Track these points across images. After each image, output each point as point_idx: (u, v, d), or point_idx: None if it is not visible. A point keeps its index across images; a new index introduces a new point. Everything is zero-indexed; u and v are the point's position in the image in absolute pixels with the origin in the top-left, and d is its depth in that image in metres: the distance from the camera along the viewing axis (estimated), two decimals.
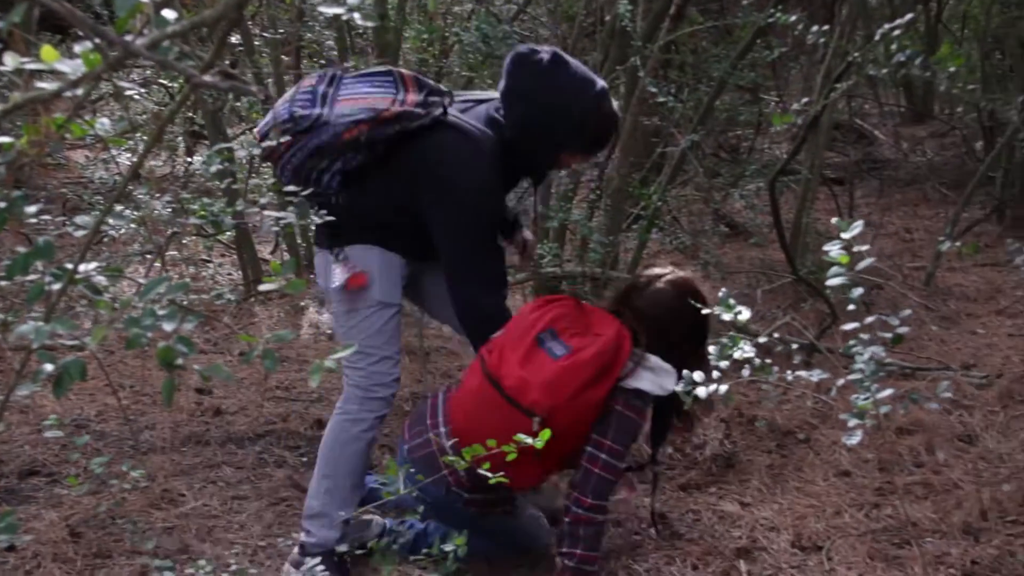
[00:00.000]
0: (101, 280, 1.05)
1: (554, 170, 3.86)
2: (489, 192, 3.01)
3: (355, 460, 3.14)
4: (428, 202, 2.98)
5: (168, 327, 0.99)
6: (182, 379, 4.42)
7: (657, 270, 3.16)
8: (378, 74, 3.00)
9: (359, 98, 2.92)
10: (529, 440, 2.18)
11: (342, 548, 2.98)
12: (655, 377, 2.86)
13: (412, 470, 2.85)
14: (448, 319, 3.33)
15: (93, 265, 1.06)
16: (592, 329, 2.92)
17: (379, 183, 3.01)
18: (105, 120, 1.23)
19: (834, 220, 2.04)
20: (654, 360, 2.88)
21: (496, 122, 3.03)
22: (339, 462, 3.13)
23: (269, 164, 3.11)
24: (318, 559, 2.70)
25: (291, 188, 2.66)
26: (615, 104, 3.05)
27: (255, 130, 3.08)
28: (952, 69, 2.25)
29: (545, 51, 2.94)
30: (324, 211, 2.70)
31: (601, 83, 2.98)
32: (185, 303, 4.46)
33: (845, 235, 1.97)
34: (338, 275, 3.00)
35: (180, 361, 1.01)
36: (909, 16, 2.26)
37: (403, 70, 3.03)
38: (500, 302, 3.08)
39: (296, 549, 3.12)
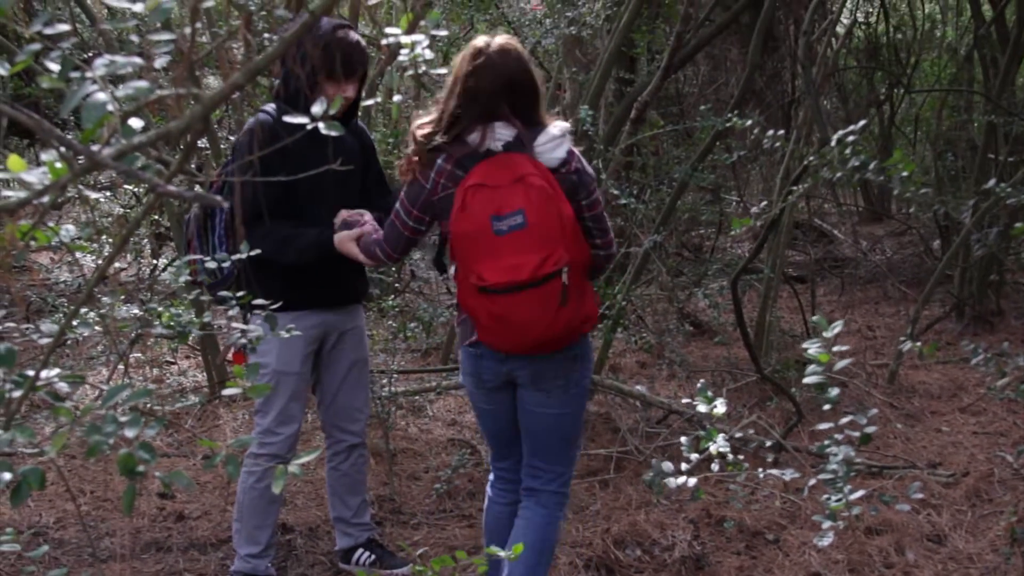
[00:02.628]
0: (63, 387, 1.04)
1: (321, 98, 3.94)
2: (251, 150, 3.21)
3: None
4: None
5: (130, 433, 0.97)
6: (144, 484, 4.34)
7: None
8: None
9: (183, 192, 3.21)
10: None
11: None
12: (561, 134, 2.91)
13: None
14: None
15: (55, 372, 1.05)
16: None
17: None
18: (70, 227, 1.23)
19: (815, 317, 2.05)
20: (559, 128, 2.91)
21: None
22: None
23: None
24: None
25: (223, 294, 2.65)
26: (356, 35, 3.33)
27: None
28: (905, 173, 2.31)
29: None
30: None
31: (343, 21, 3.37)
32: (149, 406, 4.40)
33: (826, 334, 1.98)
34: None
35: (142, 468, 0.99)
36: (862, 122, 2.33)
37: None
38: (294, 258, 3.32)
39: None
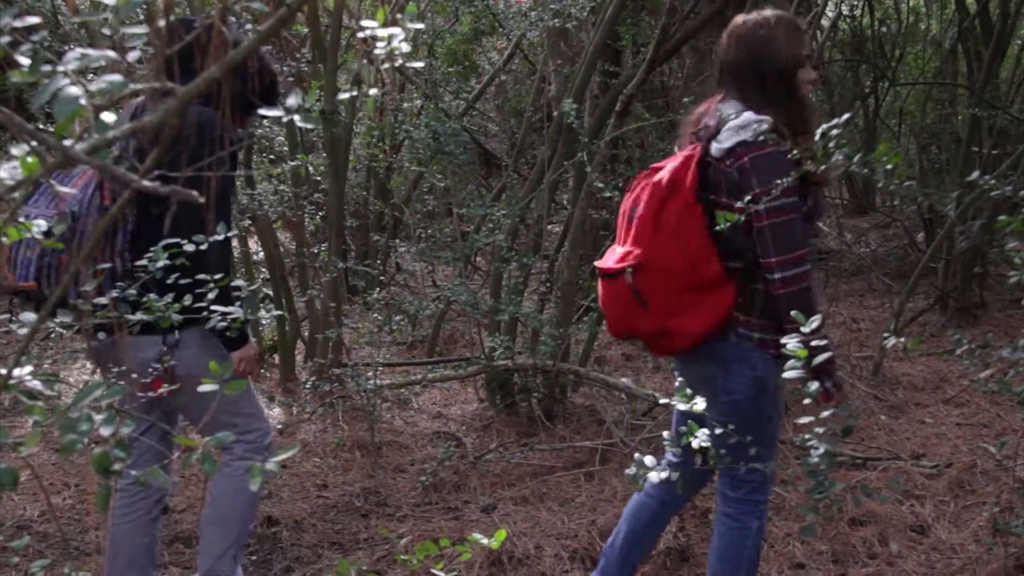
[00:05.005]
0: (35, 385, 1.03)
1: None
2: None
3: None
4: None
5: (105, 432, 0.97)
6: None
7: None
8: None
9: (73, 183, 2.85)
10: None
11: None
12: (743, 125, 2.65)
13: None
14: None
15: (27, 369, 1.04)
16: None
17: (160, 220, 2.81)
18: (42, 222, 1.22)
19: (793, 313, 2.06)
20: (742, 118, 2.66)
21: None
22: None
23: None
24: None
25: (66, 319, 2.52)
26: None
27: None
28: (889, 167, 2.31)
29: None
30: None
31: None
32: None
33: (804, 329, 1.98)
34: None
35: (117, 467, 0.98)
36: (846, 116, 2.32)
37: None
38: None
39: None
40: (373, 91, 1.38)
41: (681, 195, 2.68)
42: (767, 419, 2.84)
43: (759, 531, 2.95)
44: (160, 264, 2.34)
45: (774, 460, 2.96)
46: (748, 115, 2.64)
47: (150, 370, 2.88)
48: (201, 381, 2.56)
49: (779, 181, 2.42)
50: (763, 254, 2.65)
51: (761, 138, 2.59)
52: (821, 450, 1.87)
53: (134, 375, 2.86)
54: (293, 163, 5.81)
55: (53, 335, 5.09)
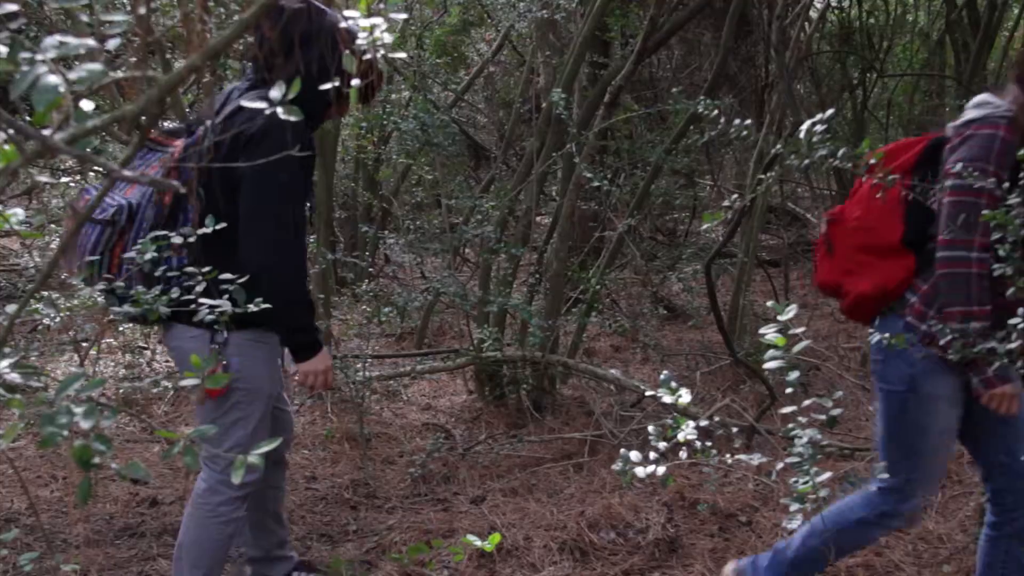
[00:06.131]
0: (14, 377, 1.02)
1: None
2: None
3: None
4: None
5: (85, 424, 0.95)
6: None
7: None
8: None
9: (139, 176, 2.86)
10: None
11: None
12: (980, 103, 2.59)
13: None
14: None
15: (6, 363, 1.03)
16: None
17: (224, 218, 2.72)
18: (19, 211, 1.21)
19: (769, 303, 2.06)
20: (982, 96, 2.61)
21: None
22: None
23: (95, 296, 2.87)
24: None
25: (122, 310, 2.49)
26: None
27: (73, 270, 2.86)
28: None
29: None
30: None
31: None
32: (120, 391, 4.35)
33: (781, 317, 1.99)
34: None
35: (97, 460, 0.97)
36: (831, 111, 2.33)
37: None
38: None
39: None
40: (355, 82, 1.37)
41: (900, 162, 2.70)
42: (919, 430, 2.74)
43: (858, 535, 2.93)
44: (157, 258, 2.37)
45: (922, 485, 2.84)
46: (988, 96, 2.60)
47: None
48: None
49: (976, 162, 2.42)
50: (939, 231, 2.56)
51: (990, 119, 2.54)
52: (805, 439, 1.87)
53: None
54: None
55: (40, 328, 5.07)
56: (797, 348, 1.98)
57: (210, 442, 2.86)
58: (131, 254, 2.65)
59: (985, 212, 2.36)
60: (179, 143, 2.81)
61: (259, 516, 3.30)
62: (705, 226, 6.26)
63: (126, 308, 2.47)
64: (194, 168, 2.70)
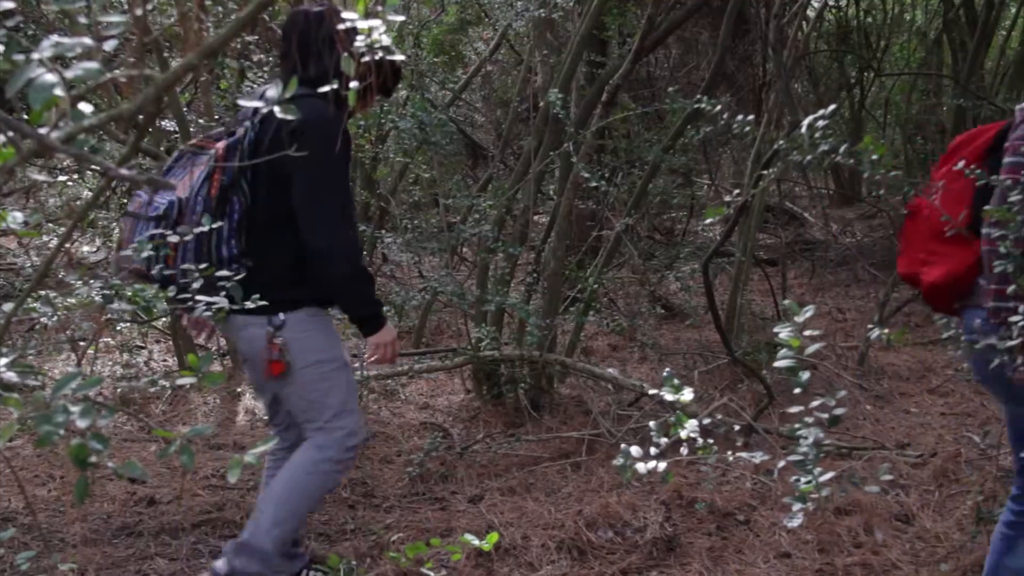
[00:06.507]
0: (11, 376, 1.01)
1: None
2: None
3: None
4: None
5: (82, 423, 0.95)
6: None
7: None
8: (180, 158, 3.09)
9: (190, 174, 2.99)
10: None
11: None
12: None
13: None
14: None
15: (3, 361, 1.03)
16: None
17: (268, 209, 3.00)
18: (18, 214, 1.21)
19: (786, 302, 2.06)
20: None
21: None
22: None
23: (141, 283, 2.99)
24: None
25: (178, 297, 2.56)
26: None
27: (115, 263, 3.02)
28: (875, 157, 2.31)
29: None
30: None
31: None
32: (118, 390, 4.34)
33: (798, 319, 1.98)
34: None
35: (94, 459, 0.97)
36: (832, 106, 2.33)
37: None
38: None
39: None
40: (354, 84, 1.36)
41: (973, 147, 2.68)
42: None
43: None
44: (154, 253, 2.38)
45: None
46: None
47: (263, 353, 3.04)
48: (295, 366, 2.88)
49: None
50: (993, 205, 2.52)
51: None
52: (810, 439, 1.87)
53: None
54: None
55: (37, 327, 5.06)
56: (810, 349, 1.98)
57: (310, 418, 3.15)
58: (187, 236, 2.82)
59: (987, 207, 2.36)
60: (220, 145, 2.99)
61: None
62: (708, 221, 6.27)
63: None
64: (237, 165, 2.92)
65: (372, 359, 3.19)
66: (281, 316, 3.01)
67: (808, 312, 2.00)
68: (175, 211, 2.92)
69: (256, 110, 3.01)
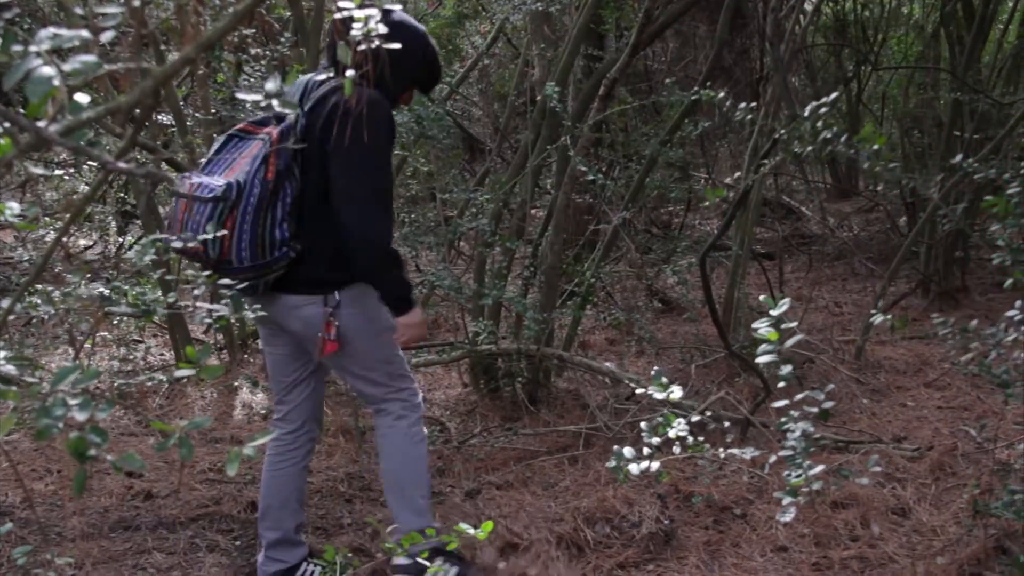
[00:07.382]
0: (10, 369, 1.01)
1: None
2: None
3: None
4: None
5: (80, 416, 0.95)
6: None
7: None
8: (228, 141, 3.14)
9: (242, 157, 3.05)
10: None
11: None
12: None
13: None
14: None
15: (1, 356, 1.02)
16: None
17: (318, 193, 3.07)
18: (15, 204, 1.20)
19: (762, 297, 2.06)
20: None
21: None
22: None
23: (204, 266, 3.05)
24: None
25: (226, 281, 2.63)
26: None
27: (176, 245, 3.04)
28: (875, 148, 2.31)
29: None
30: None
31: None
32: (115, 384, 4.33)
33: (773, 312, 1.98)
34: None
35: (93, 452, 0.97)
36: (834, 95, 2.32)
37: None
38: None
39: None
40: (350, 72, 1.36)
41: None
42: None
43: None
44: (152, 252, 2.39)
45: None
46: None
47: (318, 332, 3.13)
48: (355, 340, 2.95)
49: None
50: None
51: None
52: (798, 432, 1.88)
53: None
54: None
55: (35, 321, 5.06)
56: (790, 342, 1.98)
57: (376, 391, 3.31)
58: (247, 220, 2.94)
59: (987, 199, 2.37)
60: (271, 129, 3.05)
61: (287, 494, 3.43)
62: (706, 204, 6.25)
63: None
64: (291, 147, 3.01)
65: (401, 340, 3.25)
66: (337, 296, 3.11)
67: (784, 305, 2.00)
68: (234, 192, 2.97)
69: (303, 97, 3.11)
